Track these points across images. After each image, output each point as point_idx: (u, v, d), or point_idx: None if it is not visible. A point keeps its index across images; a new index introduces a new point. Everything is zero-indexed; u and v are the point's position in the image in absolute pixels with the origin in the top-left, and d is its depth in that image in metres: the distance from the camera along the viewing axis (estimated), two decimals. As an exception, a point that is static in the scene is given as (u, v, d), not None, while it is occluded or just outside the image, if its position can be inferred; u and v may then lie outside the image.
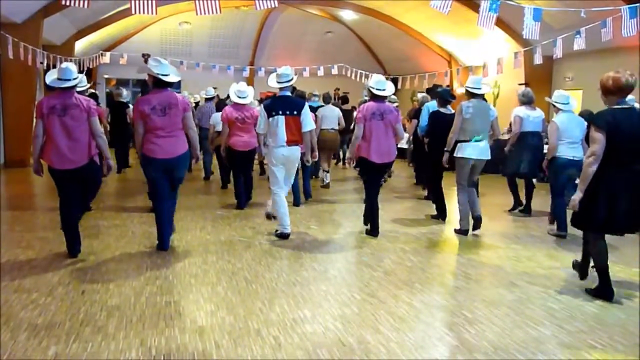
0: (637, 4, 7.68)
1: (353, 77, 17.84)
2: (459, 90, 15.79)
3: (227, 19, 17.55)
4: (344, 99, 13.65)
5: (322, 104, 9.88)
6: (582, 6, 8.25)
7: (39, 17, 11.58)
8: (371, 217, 6.18)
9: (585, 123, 5.75)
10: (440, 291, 4.43)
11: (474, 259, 5.39)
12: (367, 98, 8.51)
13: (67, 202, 5.00)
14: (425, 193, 8.68)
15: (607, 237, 4.25)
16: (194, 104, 11.62)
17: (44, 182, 9.31)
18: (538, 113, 7.37)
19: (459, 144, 6.12)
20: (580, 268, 4.61)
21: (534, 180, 7.78)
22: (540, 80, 12.82)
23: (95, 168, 5.07)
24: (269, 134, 5.71)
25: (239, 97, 7.22)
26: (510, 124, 8.01)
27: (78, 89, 5.25)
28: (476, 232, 6.24)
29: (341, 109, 10.20)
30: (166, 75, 5.08)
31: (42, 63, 11.97)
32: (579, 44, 8.97)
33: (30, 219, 6.82)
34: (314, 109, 8.33)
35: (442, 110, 7.17)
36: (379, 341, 3.37)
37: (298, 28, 18.82)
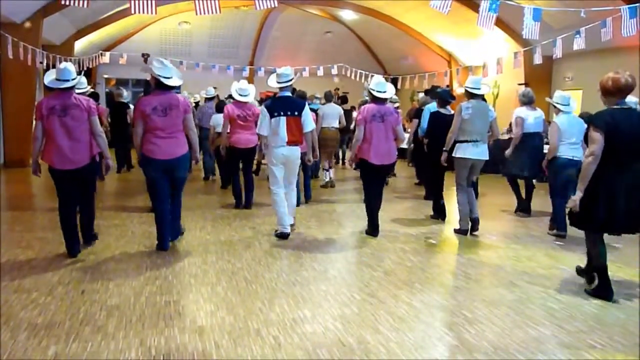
0: (637, 4, 7.68)
1: (353, 77, 17.84)
2: (458, 90, 15.80)
3: (226, 18, 17.55)
4: (343, 99, 13.68)
5: (324, 102, 9.89)
6: (581, 6, 8.25)
7: (38, 16, 11.59)
8: (370, 217, 6.18)
9: (585, 124, 5.76)
10: (440, 291, 4.43)
11: (474, 258, 5.39)
12: (367, 98, 8.55)
13: (67, 202, 5.01)
14: (425, 193, 8.68)
15: (607, 237, 4.26)
16: (193, 104, 11.62)
17: (43, 183, 9.31)
18: (538, 113, 7.37)
19: (457, 144, 6.12)
20: (586, 274, 4.50)
21: (534, 180, 7.78)
22: (540, 80, 12.83)
23: (94, 168, 5.07)
24: (270, 134, 5.71)
25: (241, 95, 7.24)
26: (510, 124, 8.01)
27: (78, 91, 5.26)
28: (475, 232, 6.24)
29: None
30: (169, 78, 5.09)
31: (41, 63, 11.97)
32: (578, 44, 8.97)
33: (30, 219, 6.82)
34: (314, 112, 8.35)
35: (442, 110, 7.18)
36: (378, 341, 3.37)
37: (298, 28, 18.83)
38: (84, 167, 4.89)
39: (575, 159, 6.00)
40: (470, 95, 6.21)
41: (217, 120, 8.65)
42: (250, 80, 17.95)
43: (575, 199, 4.10)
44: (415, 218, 7.27)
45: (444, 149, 6.23)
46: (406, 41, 17.29)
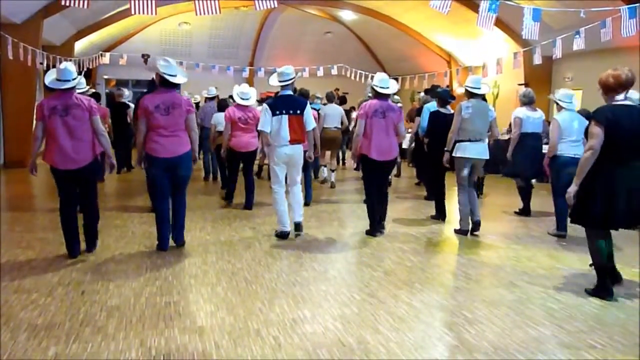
0: (637, 4, 7.68)
1: (352, 77, 17.84)
2: (458, 90, 15.81)
3: (226, 19, 17.57)
4: (342, 99, 13.67)
5: (325, 103, 9.91)
6: (581, 6, 8.25)
7: (38, 17, 11.59)
8: (371, 216, 6.18)
9: (587, 121, 5.76)
10: (440, 291, 4.43)
11: (474, 259, 5.40)
12: (370, 95, 8.56)
13: (68, 203, 5.01)
14: (426, 193, 8.68)
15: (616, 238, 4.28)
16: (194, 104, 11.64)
17: (43, 183, 9.32)
18: (539, 114, 7.37)
19: (457, 144, 6.12)
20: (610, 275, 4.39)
21: (533, 180, 7.77)
22: (539, 80, 12.82)
23: (97, 168, 5.08)
24: (272, 132, 5.71)
25: (242, 99, 7.30)
26: (510, 125, 8.01)
27: (77, 91, 5.26)
28: (476, 233, 6.24)
29: None
30: (174, 75, 5.11)
31: (41, 63, 11.97)
32: (578, 44, 8.97)
33: (30, 220, 6.82)
34: (316, 111, 8.37)
35: (442, 110, 7.19)
36: (378, 341, 3.37)
37: (297, 28, 18.83)
38: (86, 166, 4.90)
39: (577, 156, 5.98)
40: (470, 95, 6.21)
41: (218, 119, 8.70)
42: (250, 80, 18.01)
43: (570, 192, 4.13)
44: (416, 218, 7.27)
45: (445, 149, 6.23)
46: (406, 41, 17.30)
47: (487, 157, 6.19)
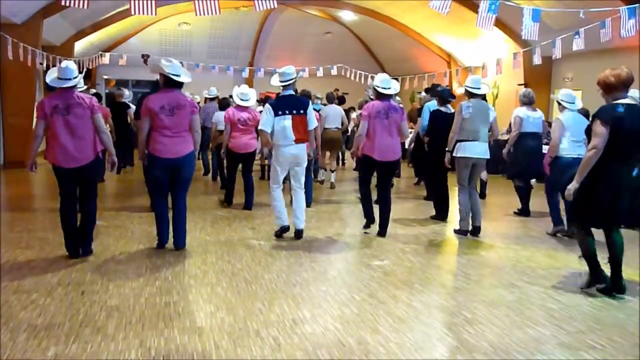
0: (636, 5, 7.68)
1: (352, 77, 17.84)
2: (458, 90, 15.79)
3: (226, 19, 17.56)
4: (341, 99, 13.68)
5: (325, 104, 9.93)
6: (581, 7, 8.25)
7: (38, 17, 11.59)
8: (367, 211, 6.23)
9: (587, 121, 5.77)
10: (440, 291, 4.43)
11: (474, 259, 5.40)
12: (372, 97, 8.57)
13: (68, 201, 5.02)
14: (425, 193, 8.68)
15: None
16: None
17: (43, 183, 9.32)
18: (538, 114, 7.37)
19: (458, 144, 6.12)
20: (613, 277, 4.35)
21: (533, 180, 7.78)
22: (539, 80, 12.82)
23: (98, 166, 5.09)
24: (276, 133, 5.72)
25: (242, 100, 7.32)
26: (510, 124, 8.02)
27: (77, 90, 5.26)
28: (475, 236, 6.24)
29: None
30: (178, 75, 5.12)
31: (41, 64, 11.98)
32: (578, 44, 8.97)
33: (30, 220, 6.81)
34: (316, 112, 8.37)
35: (442, 109, 7.19)
36: (378, 342, 3.37)
37: (297, 29, 18.83)
38: (88, 164, 4.90)
39: (580, 157, 5.97)
40: (470, 95, 6.22)
41: (219, 118, 8.82)
42: (249, 81, 18.00)
43: (570, 189, 4.14)
44: (416, 218, 7.27)
45: (447, 149, 6.23)
46: (405, 42, 17.30)
47: (488, 157, 6.19)
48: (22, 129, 11.90)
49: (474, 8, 9.36)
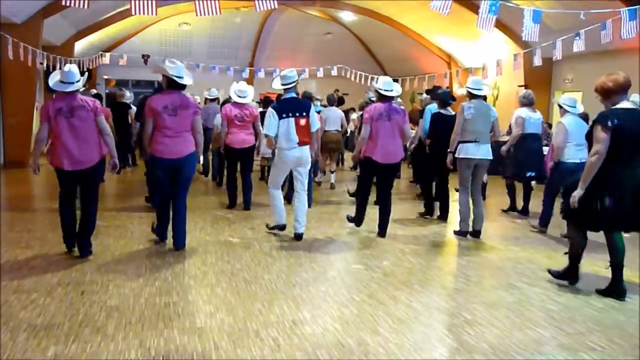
0: (637, 6, 7.69)
1: (352, 78, 17.85)
2: (459, 91, 15.80)
3: (226, 20, 17.56)
4: (340, 100, 13.71)
5: (324, 107, 9.94)
6: (581, 8, 8.26)
7: (38, 17, 11.58)
8: (360, 210, 6.29)
9: (587, 125, 5.78)
10: (440, 292, 4.43)
11: (474, 260, 5.40)
12: (372, 99, 8.58)
13: (68, 200, 5.04)
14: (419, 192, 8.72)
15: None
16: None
17: (43, 183, 9.32)
18: (538, 115, 7.39)
19: (460, 145, 6.12)
20: (614, 280, 4.38)
21: (534, 182, 7.79)
22: (539, 82, 12.83)
23: (102, 168, 5.11)
24: (279, 136, 5.72)
25: (239, 97, 7.32)
26: (510, 126, 8.02)
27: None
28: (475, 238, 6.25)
29: None
30: (181, 77, 5.14)
31: (41, 64, 11.98)
32: (578, 45, 8.97)
33: (30, 220, 6.81)
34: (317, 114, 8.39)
35: (443, 111, 7.19)
36: (378, 342, 3.37)
37: (297, 29, 18.83)
38: (92, 167, 4.91)
39: (583, 161, 5.96)
40: (472, 96, 6.22)
41: (220, 119, 8.75)
42: (250, 81, 17.97)
43: (575, 196, 4.13)
44: (415, 219, 7.28)
45: (449, 150, 6.23)
46: (406, 42, 17.31)
47: (491, 158, 6.18)
48: (22, 128, 11.92)
49: (475, 9, 9.37)
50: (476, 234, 6.20)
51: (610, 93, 4.15)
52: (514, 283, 4.64)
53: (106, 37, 16.97)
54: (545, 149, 7.44)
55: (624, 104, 4.12)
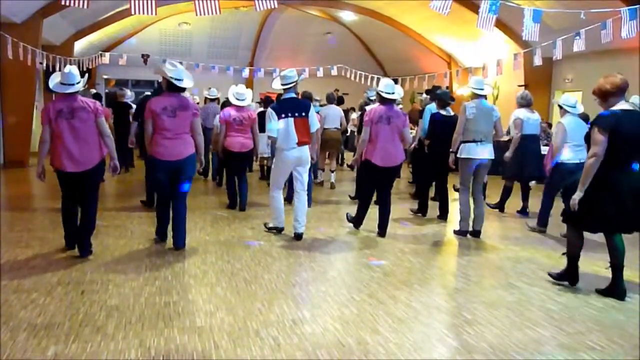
0: (637, 6, 7.69)
1: (352, 78, 17.86)
2: (458, 91, 15.82)
3: (226, 19, 17.57)
4: (340, 100, 13.73)
5: (323, 105, 9.94)
6: (581, 8, 8.26)
7: (38, 17, 11.59)
8: (362, 210, 6.29)
9: (587, 126, 5.78)
10: (440, 292, 4.43)
11: (473, 260, 5.40)
12: (371, 98, 8.58)
13: (70, 202, 5.05)
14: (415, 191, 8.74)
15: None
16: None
17: (43, 183, 9.29)
18: (536, 116, 7.40)
19: (462, 145, 6.11)
20: (614, 281, 4.36)
21: (533, 182, 7.80)
22: (539, 81, 12.83)
23: (102, 170, 5.12)
24: (279, 136, 5.72)
25: (238, 100, 7.30)
26: (509, 127, 8.02)
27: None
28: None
29: None
30: (180, 80, 5.15)
31: (41, 63, 11.98)
32: (578, 45, 8.97)
33: (30, 220, 6.81)
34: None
35: (442, 112, 7.19)
36: (377, 342, 3.37)
37: (297, 29, 18.83)
38: (92, 169, 4.92)
39: (582, 161, 5.97)
40: (475, 95, 6.22)
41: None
42: (249, 81, 18.01)
43: (575, 198, 4.13)
44: (415, 218, 7.28)
45: (451, 150, 6.22)
46: (406, 42, 17.31)
47: (493, 158, 6.18)
48: (22, 128, 11.92)
49: (475, 9, 9.37)
50: (476, 233, 6.20)
51: (608, 95, 4.15)
52: (513, 283, 4.65)
53: (106, 37, 16.97)
54: (545, 149, 7.44)
55: (622, 106, 4.13)
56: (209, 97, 10.76)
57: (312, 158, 6.26)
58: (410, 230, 6.55)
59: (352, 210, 6.60)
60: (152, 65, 16.30)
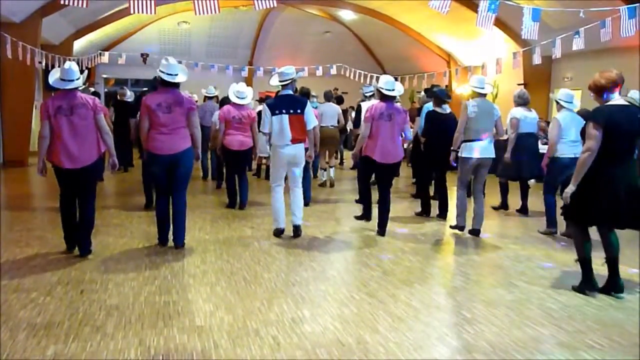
0: (636, 4, 7.69)
1: (352, 77, 17.84)
2: (457, 90, 15.81)
3: (226, 18, 17.54)
4: (339, 99, 13.72)
5: (321, 102, 9.93)
6: (581, 6, 8.26)
7: (37, 16, 11.58)
8: (366, 205, 6.31)
9: (584, 122, 5.79)
10: (439, 291, 4.43)
11: (473, 259, 5.40)
12: (367, 95, 8.57)
13: (69, 200, 5.04)
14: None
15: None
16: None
17: (42, 182, 9.30)
18: (534, 115, 7.39)
19: (463, 144, 6.11)
20: (611, 276, 4.39)
21: (532, 180, 7.80)
22: (539, 80, 12.82)
23: (99, 167, 5.11)
24: (273, 133, 5.72)
25: (238, 98, 7.29)
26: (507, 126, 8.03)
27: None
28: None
29: None
30: (174, 75, 5.17)
31: (40, 63, 11.96)
32: (578, 44, 8.98)
33: (29, 219, 6.81)
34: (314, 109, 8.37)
35: (438, 110, 7.18)
36: (377, 341, 3.38)
37: (297, 28, 18.81)
38: (89, 165, 4.91)
39: (576, 156, 5.98)
40: (476, 94, 6.21)
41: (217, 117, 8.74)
42: (249, 80, 17.98)
43: (568, 192, 4.15)
44: (415, 217, 7.28)
45: (452, 148, 6.21)
46: (405, 41, 17.29)
47: (494, 156, 6.18)
48: (21, 128, 11.91)
49: (474, 7, 9.35)
50: (476, 232, 6.20)
51: (603, 90, 4.16)
52: (513, 281, 4.65)
53: (105, 36, 16.95)
54: (544, 148, 7.44)
55: (617, 101, 4.13)
56: (207, 94, 10.75)
57: (310, 157, 6.25)
58: (409, 229, 6.55)
59: (354, 210, 6.59)
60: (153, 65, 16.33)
